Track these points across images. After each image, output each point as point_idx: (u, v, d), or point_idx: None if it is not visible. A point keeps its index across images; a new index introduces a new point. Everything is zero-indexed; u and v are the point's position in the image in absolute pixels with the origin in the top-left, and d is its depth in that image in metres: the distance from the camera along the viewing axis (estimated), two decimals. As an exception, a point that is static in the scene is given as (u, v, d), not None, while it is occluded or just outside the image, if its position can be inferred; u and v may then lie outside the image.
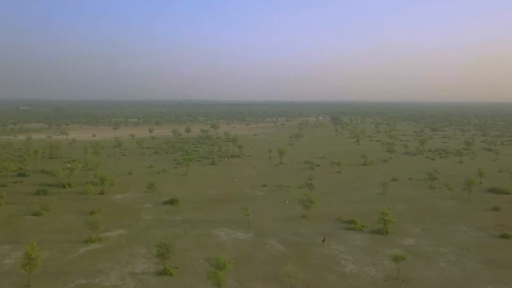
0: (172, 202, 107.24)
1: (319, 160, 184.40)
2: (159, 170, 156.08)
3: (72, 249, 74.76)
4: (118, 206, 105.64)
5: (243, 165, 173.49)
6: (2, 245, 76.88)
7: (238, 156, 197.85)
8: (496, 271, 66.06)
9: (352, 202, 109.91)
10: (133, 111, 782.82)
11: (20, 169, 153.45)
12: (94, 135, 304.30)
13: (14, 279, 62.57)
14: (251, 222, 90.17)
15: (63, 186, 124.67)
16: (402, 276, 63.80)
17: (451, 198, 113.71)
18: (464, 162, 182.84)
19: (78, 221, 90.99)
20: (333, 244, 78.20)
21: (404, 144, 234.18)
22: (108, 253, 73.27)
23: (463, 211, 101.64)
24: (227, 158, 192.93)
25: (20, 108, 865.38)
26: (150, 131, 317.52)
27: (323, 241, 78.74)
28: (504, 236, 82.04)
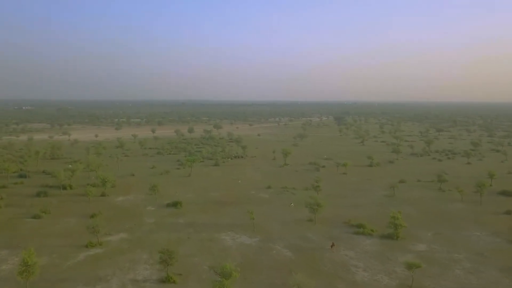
0: (175, 204, 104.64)
1: (324, 161, 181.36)
2: (162, 171, 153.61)
3: (72, 254, 72.24)
4: (119, 208, 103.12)
5: (247, 166, 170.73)
6: (0, 250, 74.51)
7: (242, 157, 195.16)
8: (515, 280, 63.02)
9: (359, 205, 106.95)
10: (135, 111, 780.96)
11: (21, 170, 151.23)
12: (96, 135, 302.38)
13: (11, 286, 60.06)
14: (256, 226, 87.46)
15: (64, 188, 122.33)
16: (416, 284, 60.85)
17: (462, 201, 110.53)
18: (472, 163, 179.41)
19: (79, 224, 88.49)
20: (342, 250, 75.35)
21: (410, 144, 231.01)
22: (109, 258, 70.70)
23: (475, 214, 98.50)
24: (231, 159, 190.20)
25: (23, 108, 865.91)
26: (153, 131, 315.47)
27: (331, 246, 75.83)
28: (519, 242, 78.97)
